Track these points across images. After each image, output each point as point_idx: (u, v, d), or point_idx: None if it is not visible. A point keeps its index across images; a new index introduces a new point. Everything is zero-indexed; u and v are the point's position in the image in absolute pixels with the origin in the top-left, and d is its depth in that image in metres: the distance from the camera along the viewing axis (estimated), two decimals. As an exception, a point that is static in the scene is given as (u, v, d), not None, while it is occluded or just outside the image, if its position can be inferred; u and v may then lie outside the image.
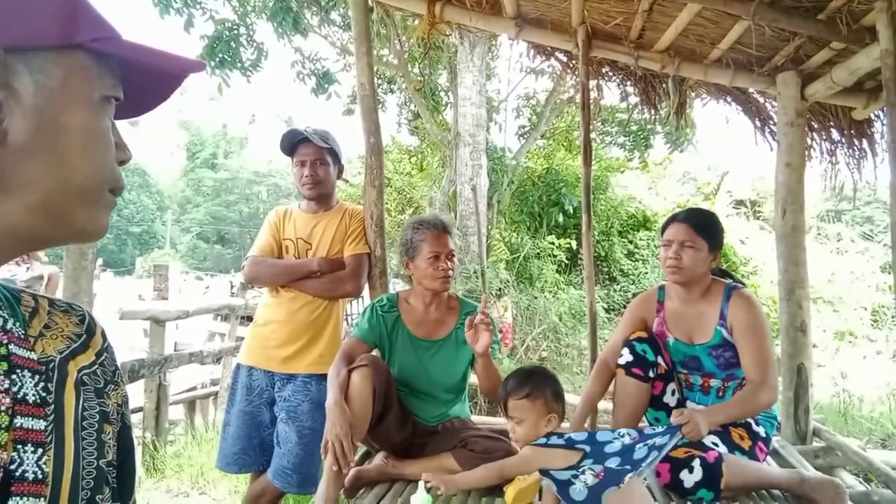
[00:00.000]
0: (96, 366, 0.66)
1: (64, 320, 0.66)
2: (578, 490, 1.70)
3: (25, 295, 0.64)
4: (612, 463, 1.76)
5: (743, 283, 2.49)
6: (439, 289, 2.42)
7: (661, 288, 2.54)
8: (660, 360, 2.40)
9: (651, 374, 2.36)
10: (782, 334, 3.20)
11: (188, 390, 6.92)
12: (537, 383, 2.02)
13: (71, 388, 0.61)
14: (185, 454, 4.59)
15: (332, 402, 2.12)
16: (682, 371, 2.46)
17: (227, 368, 5.93)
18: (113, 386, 0.68)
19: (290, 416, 2.53)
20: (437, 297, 2.49)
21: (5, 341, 0.56)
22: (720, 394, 2.38)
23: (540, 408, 1.99)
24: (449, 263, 2.41)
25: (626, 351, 2.41)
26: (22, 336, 0.58)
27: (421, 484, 2.01)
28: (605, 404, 2.89)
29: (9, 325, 0.57)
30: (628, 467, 1.72)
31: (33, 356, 0.58)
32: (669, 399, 2.43)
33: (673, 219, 2.40)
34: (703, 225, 2.32)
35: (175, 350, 7.04)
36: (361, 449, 2.54)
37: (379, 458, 2.43)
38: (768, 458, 2.55)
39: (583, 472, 1.73)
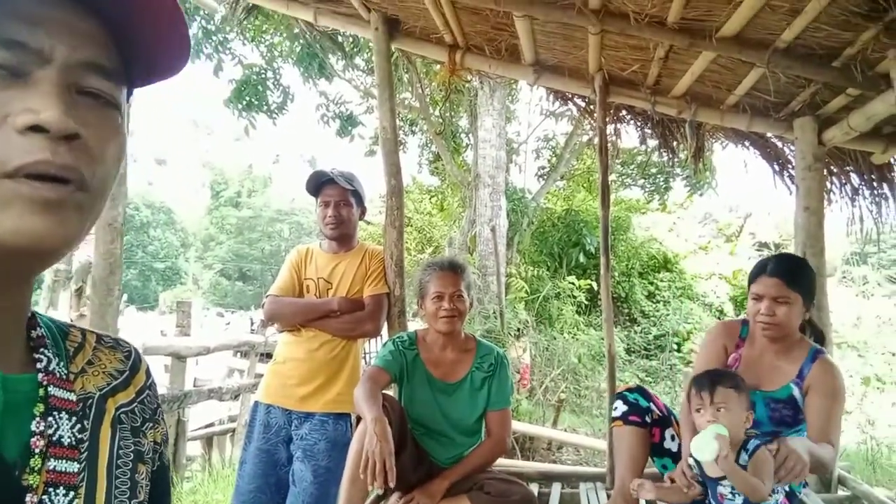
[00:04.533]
0: (135, 404, 0.66)
1: (109, 356, 0.66)
2: None
3: (74, 330, 0.65)
4: None
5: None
6: (443, 329, 2.42)
7: (745, 323, 2.36)
8: (652, 406, 2.42)
9: (647, 420, 2.38)
10: (805, 380, 3.15)
11: (206, 426, 6.94)
12: (739, 380, 2.00)
13: (107, 426, 0.61)
14: (201, 490, 4.59)
15: (372, 417, 2.02)
16: None
17: (245, 405, 5.95)
18: (151, 424, 0.68)
19: (306, 455, 2.53)
20: (452, 339, 2.48)
21: (45, 383, 0.55)
22: None
23: (744, 401, 1.97)
24: (453, 304, 2.40)
25: (619, 403, 2.43)
26: (63, 376, 0.58)
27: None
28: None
29: (52, 366, 0.57)
30: None
31: (72, 397, 0.58)
32: (671, 444, 2.39)
33: (762, 270, 2.17)
34: (796, 277, 2.13)
35: (194, 386, 7.10)
36: (375, 490, 2.53)
37: (394, 500, 2.41)
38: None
39: None
